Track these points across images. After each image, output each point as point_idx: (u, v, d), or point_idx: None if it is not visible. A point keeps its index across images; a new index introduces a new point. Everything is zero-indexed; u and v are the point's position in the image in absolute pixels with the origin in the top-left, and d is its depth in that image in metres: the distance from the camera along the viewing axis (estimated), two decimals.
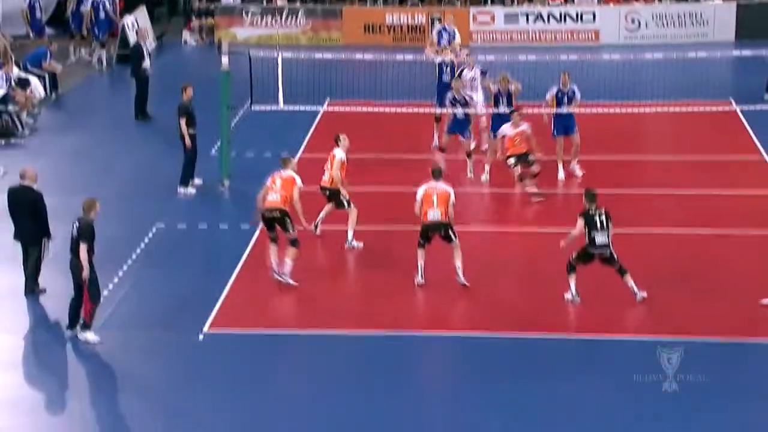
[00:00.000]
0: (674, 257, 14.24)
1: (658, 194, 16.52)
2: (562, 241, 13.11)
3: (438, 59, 18.82)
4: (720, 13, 27.23)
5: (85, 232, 12.14)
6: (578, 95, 17.11)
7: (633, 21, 27.69)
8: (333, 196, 14.91)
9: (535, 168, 16.32)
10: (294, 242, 13.55)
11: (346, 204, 14.82)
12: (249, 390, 11.53)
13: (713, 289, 13.36)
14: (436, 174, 13.49)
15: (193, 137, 16.81)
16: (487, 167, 17.00)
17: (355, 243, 14.72)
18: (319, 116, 20.24)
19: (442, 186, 13.40)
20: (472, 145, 17.48)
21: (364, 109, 18.69)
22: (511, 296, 13.52)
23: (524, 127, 16.28)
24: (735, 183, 16.83)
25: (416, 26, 28.52)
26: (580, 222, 12.88)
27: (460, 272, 13.38)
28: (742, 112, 19.54)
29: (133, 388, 11.59)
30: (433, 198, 13.24)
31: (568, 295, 13.05)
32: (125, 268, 14.21)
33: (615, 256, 12.89)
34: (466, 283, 13.38)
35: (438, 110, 18.08)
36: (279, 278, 13.63)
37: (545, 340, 12.32)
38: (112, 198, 15.53)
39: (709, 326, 12.54)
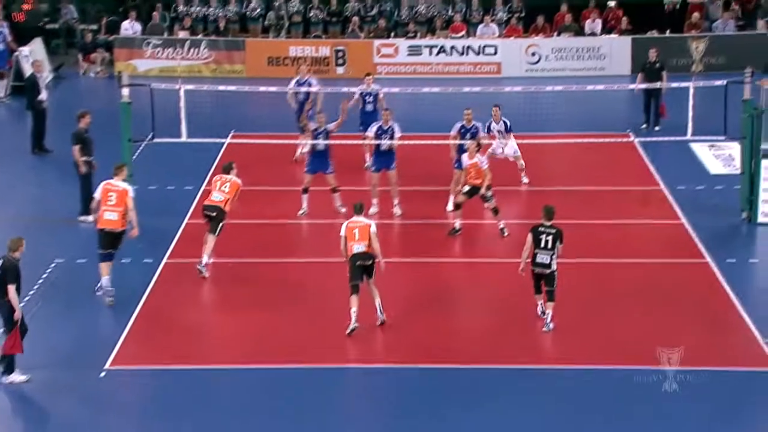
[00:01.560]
0: (578, 287, 14.63)
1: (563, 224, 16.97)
2: (520, 268, 13.21)
3: (359, 90, 19.09)
4: (616, 48, 28.27)
5: (12, 272, 12.02)
6: (481, 131, 17.46)
7: (534, 54, 28.52)
8: (219, 217, 14.88)
9: (490, 203, 16.23)
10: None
11: (218, 230, 14.87)
12: (153, 427, 11.42)
13: (620, 318, 13.77)
14: (357, 209, 13.63)
15: (89, 164, 16.67)
16: (451, 197, 17.10)
17: (205, 269, 14.80)
18: (223, 149, 20.24)
19: (362, 220, 13.52)
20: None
21: (269, 141, 18.80)
22: (437, 327, 13.61)
23: (477, 159, 16.20)
24: (636, 213, 17.42)
25: (321, 58, 28.82)
26: (528, 237, 13.16)
27: (379, 310, 13.38)
28: (640, 143, 20.31)
29: (34, 429, 11.36)
30: (354, 232, 13.36)
31: (545, 318, 13.21)
32: (23, 304, 13.92)
33: (554, 280, 13.04)
34: (385, 320, 13.43)
35: (368, 135, 18.02)
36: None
37: (474, 370, 12.45)
38: (7, 232, 15.25)
39: (616, 356, 12.83)
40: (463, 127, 17.45)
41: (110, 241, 14.18)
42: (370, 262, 13.32)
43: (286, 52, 28.85)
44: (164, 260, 15.46)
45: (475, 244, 16.27)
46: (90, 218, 16.32)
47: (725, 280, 14.46)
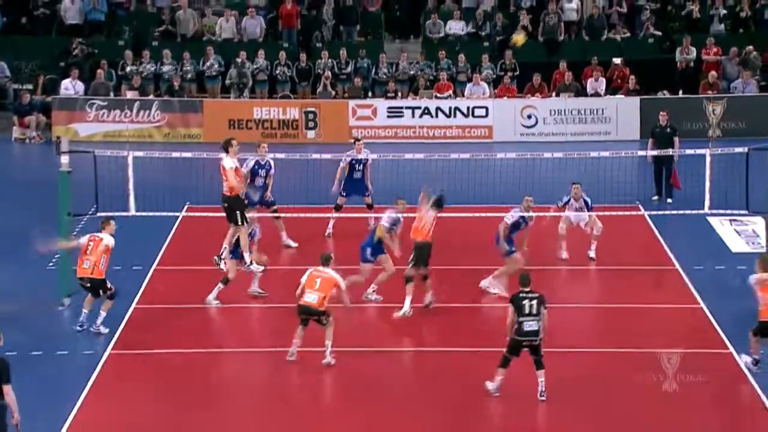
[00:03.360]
0: (588, 378, 14.61)
1: (563, 308, 17.04)
2: (507, 336, 13.46)
3: (349, 157, 19.53)
4: (623, 110, 28.70)
5: (4, 370, 11.85)
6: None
7: (529, 116, 28.91)
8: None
9: (423, 271, 16.44)
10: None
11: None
12: None
13: (635, 413, 13.78)
14: (324, 260, 14.68)
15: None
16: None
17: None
18: (176, 223, 20.26)
19: (328, 272, 14.53)
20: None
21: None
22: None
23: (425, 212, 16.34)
24: (649, 295, 17.49)
25: (289, 120, 29.08)
26: (510, 308, 13.32)
27: (328, 351, 14.36)
28: (651, 217, 20.51)
29: None
30: (315, 281, 14.39)
31: (490, 384, 13.43)
32: None
33: (540, 348, 13.27)
34: (332, 362, 14.30)
35: (340, 200, 19.45)
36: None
37: None
38: None
39: None
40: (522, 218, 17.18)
41: (89, 290, 15.77)
42: (316, 317, 14.43)
43: (250, 113, 29.14)
44: (108, 351, 15.36)
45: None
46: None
47: (748, 373, 14.49)
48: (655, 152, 21.39)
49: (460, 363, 14.93)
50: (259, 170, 19.03)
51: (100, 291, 15.86)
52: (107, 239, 15.87)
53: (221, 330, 16.38)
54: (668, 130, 22.72)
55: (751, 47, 30.02)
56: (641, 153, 22.10)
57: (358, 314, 16.33)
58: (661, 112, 23.25)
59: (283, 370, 14.81)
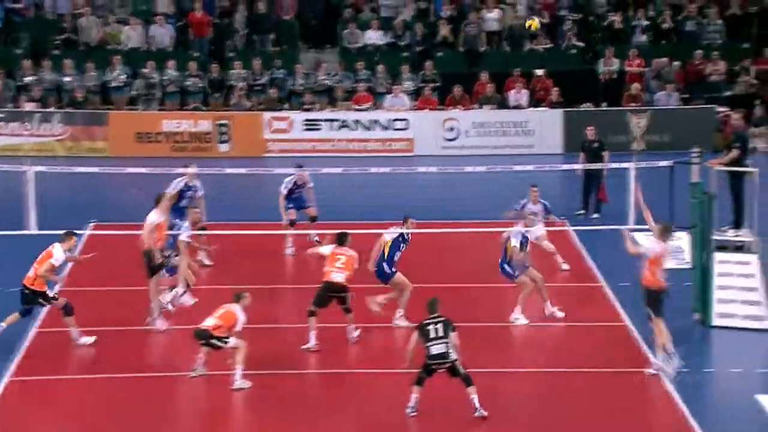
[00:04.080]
0: (513, 402, 14.74)
1: (489, 326, 17.17)
2: (405, 363, 13.88)
3: (292, 180, 19.97)
4: (546, 123, 29.09)
5: None
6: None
7: (451, 129, 29.15)
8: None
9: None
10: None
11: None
12: None
13: None
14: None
15: None
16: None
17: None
18: (81, 242, 19.98)
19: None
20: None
21: (138, 233, 18.64)
22: None
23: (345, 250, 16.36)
24: (573, 313, 17.71)
25: (200, 133, 28.91)
26: (414, 335, 13.91)
27: (238, 375, 14.52)
28: (576, 232, 20.79)
29: None
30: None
31: (408, 408, 13.73)
32: None
33: (458, 368, 13.68)
34: (245, 386, 14.42)
35: (288, 219, 19.84)
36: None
37: None
38: None
39: None
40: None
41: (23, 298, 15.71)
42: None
43: (159, 126, 28.94)
44: (6, 378, 15.08)
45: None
46: None
47: (677, 393, 14.73)
48: (579, 166, 21.71)
49: (384, 384, 14.97)
50: (187, 191, 19.31)
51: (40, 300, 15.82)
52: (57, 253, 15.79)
53: (124, 354, 16.15)
54: (596, 144, 23.11)
55: (665, 59, 30.61)
56: (565, 167, 22.42)
57: (282, 337, 16.30)
58: (588, 127, 23.64)
59: (186, 394, 14.72)
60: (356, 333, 16.12)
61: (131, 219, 19.79)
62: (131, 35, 31.29)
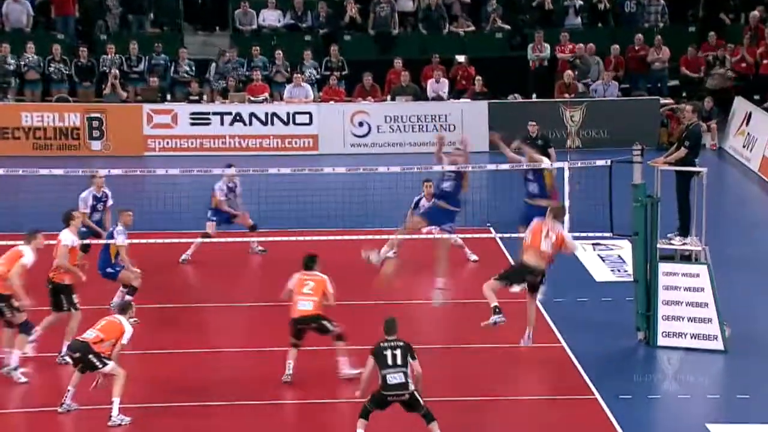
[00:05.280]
0: None
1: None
2: (357, 391, 13.89)
3: (223, 184, 20.76)
4: (469, 116, 29.33)
5: None
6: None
7: (361, 124, 29.28)
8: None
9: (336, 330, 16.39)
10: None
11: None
12: None
13: None
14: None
15: None
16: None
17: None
18: None
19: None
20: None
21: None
22: None
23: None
24: (503, 334, 17.94)
25: (68, 129, 28.62)
26: (370, 360, 13.74)
27: (116, 408, 14.44)
28: (501, 240, 21.02)
29: None
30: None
31: None
32: None
33: (419, 400, 13.59)
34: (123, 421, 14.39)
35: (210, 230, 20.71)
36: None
37: None
38: None
39: None
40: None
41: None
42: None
43: (17, 120, 28.59)
44: None
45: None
46: None
47: (618, 423, 14.96)
48: (506, 165, 21.90)
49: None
50: (97, 204, 19.92)
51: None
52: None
53: None
54: (540, 141, 23.43)
55: (581, 45, 31.00)
56: (491, 167, 22.58)
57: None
58: (530, 122, 24.01)
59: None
60: (350, 371, 15.60)
61: None
62: None
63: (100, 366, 14.60)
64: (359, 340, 15.34)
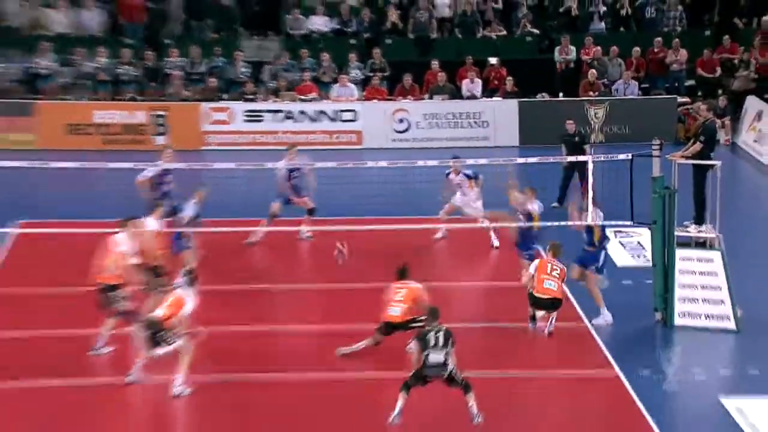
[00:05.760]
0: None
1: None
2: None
3: (284, 165, 20.31)
4: (501, 113, 29.27)
5: None
6: None
7: (401, 121, 29.26)
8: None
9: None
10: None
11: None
12: None
13: None
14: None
15: None
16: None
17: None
18: (9, 243, 19.86)
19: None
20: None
21: (72, 230, 18.55)
22: None
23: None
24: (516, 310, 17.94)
25: (134, 125, 28.78)
26: (414, 344, 14.04)
27: (179, 381, 14.45)
28: None
29: None
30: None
31: (392, 416, 13.75)
32: None
33: (456, 376, 13.89)
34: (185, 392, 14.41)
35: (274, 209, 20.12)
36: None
37: None
38: None
39: None
40: None
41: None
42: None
43: (90, 117, 28.76)
44: None
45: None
46: None
47: (638, 397, 14.97)
48: (532, 160, 21.79)
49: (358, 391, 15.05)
50: (165, 176, 19.76)
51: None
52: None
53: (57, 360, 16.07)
54: (577, 138, 23.40)
55: (598, 48, 30.81)
56: (521, 161, 22.50)
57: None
58: (568, 121, 23.87)
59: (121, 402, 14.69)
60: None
61: (64, 217, 19.78)
62: (57, 19, 30.99)
63: (170, 343, 14.55)
64: None
